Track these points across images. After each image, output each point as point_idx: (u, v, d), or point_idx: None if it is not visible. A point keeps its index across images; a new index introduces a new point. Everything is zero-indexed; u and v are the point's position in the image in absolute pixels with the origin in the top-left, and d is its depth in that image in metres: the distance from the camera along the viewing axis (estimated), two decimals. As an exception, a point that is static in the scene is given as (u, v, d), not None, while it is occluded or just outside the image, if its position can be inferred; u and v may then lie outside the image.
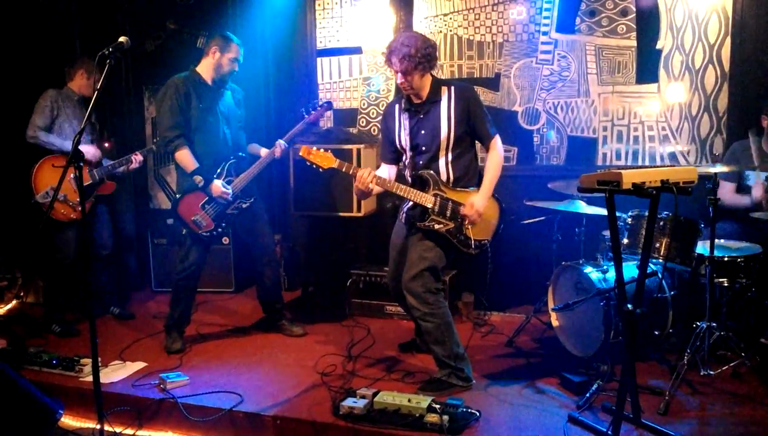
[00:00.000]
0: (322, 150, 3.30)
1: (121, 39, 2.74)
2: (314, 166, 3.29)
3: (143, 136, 5.68)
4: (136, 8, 5.48)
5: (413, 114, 3.34)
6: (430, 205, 3.26)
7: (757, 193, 3.75)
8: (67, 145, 4.09)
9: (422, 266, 3.26)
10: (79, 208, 4.19)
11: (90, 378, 3.19)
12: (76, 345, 4.03)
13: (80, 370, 3.54)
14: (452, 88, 3.31)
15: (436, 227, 3.26)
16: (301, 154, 3.33)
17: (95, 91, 2.66)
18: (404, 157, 3.42)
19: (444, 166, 3.31)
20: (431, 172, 3.30)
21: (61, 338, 4.25)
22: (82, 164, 2.61)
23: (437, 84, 3.31)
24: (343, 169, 3.31)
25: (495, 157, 3.33)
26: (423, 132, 3.31)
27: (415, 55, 3.13)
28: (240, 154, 4.00)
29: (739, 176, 3.97)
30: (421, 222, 3.29)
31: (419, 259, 3.28)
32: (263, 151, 4.13)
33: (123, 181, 4.62)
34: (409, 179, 3.37)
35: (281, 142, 4.04)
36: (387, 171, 3.51)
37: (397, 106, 3.43)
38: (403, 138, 3.38)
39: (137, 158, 4.34)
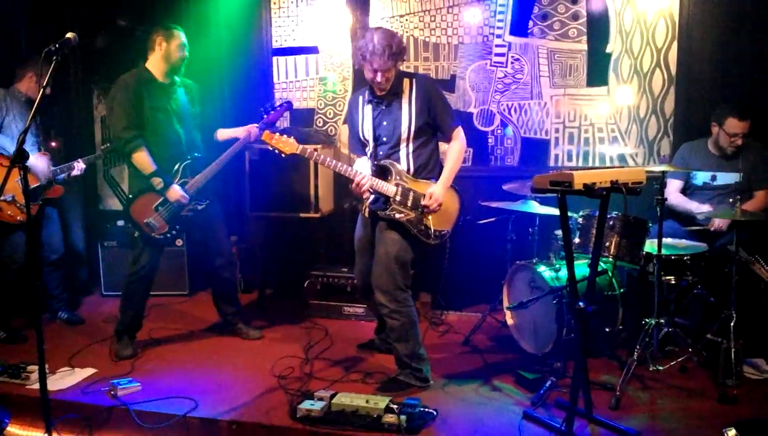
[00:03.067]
0: (285, 136, 3.34)
1: (69, 35, 2.66)
2: (276, 151, 3.34)
3: (92, 135, 5.53)
4: (85, 4, 5.34)
5: (376, 105, 3.35)
6: (391, 195, 3.27)
7: (718, 223, 3.87)
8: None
9: (390, 260, 3.27)
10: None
11: (37, 385, 3.10)
12: (22, 352, 3.88)
13: (27, 377, 3.42)
14: (414, 80, 3.34)
15: (397, 216, 3.27)
16: (263, 138, 3.36)
17: (41, 89, 2.58)
18: (366, 148, 3.42)
19: (405, 156, 3.33)
20: (392, 162, 3.31)
21: (7, 344, 4.10)
22: (27, 164, 2.53)
23: (400, 76, 3.33)
24: (305, 156, 3.35)
25: (455, 147, 3.37)
26: (385, 123, 3.33)
27: (395, 52, 3.16)
28: (195, 154, 3.92)
29: (687, 176, 4.11)
30: (382, 211, 3.30)
31: (385, 254, 3.29)
32: (230, 132, 4.05)
33: (71, 183, 4.48)
34: (371, 169, 3.37)
35: (254, 127, 3.97)
36: (363, 164, 3.45)
37: (360, 97, 3.44)
38: (366, 129, 3.38)
39: (79, 166, 4.24)
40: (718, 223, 3.86)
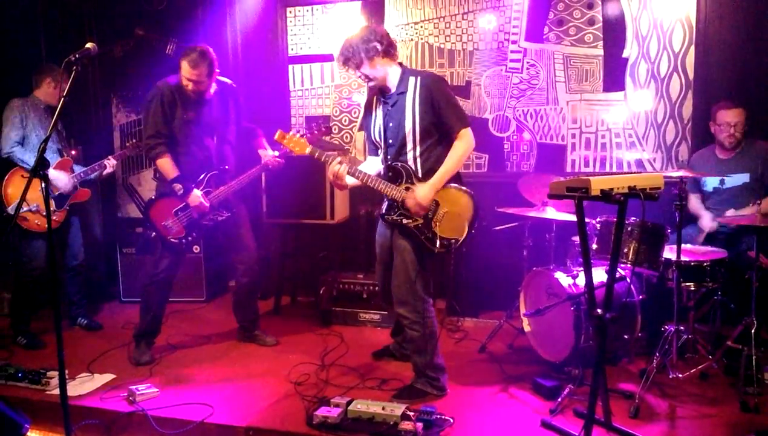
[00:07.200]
0: (297, 136, 3.33)
1: (88, 45, 2.70)
2: (288, 150, 3.39)
3: (111, 143, 5.59)
4: (103, 14, 5.41)
5: (384, 105, 3.27)
6: (399, 199, 3.21)
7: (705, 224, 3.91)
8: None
9: (407, 270, 3.23)
10: (54, 218, 4.16)
11: (57, 391, 3.13)
12: (42, 357, 3.93)
13: (47, 383, 3.46)
14: (418, 78, 3.18)
15: (405, 221, 3.21)
16: (276, 138, 3.35)
17: (61, 98, 2.62)
18: (379, 151, 3.35)
19: (412, 160, 3.21)
20: (404, 165, 3.22)
21: (27, 350, 4.15)
22: (47, 173, 2.56)
23: (407, 75, 3.21)
24: (315, 156, 3.29)
25: (456, 147, 3.15)
26: (391, 124, 3.23)
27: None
28: (224, 166, 3.95)
29: (699, 184, 4.08)
30: (389, 216, 3.26)
31: (402, 263, 3.25)
32: (262, 153, 4.03)
33: (92, 189, 4.54)
34: (383, 172, 3.32)
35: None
36: (373, 163, 3.42)
37: (374, 98, 3.36)
38: (376, 130, 3.31)
39: (110, 163, 4.32)
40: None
